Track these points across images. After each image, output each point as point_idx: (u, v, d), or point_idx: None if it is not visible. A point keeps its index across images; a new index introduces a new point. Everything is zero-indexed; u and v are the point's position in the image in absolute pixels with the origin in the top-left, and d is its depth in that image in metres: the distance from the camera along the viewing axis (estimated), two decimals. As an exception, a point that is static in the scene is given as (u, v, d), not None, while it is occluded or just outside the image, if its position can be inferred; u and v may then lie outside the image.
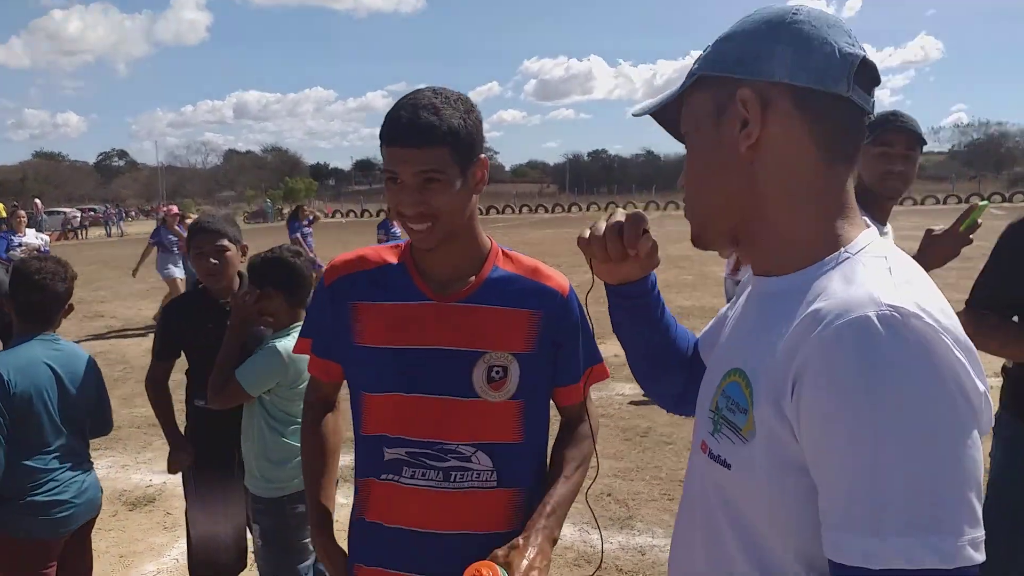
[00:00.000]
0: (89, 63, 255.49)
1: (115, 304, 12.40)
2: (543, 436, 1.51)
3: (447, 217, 1.30)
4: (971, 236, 2.24)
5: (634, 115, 1.00)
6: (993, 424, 0.77)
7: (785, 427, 0.77)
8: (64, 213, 39.48)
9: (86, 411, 2.42)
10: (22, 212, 9.75)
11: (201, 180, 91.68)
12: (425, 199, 1.27)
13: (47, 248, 9.23)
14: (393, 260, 1.44)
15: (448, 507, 1.39)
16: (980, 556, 0.68)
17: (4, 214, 39.15)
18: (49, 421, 2.27)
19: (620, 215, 1.07)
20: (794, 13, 0.87)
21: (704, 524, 0.92)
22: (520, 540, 1.30)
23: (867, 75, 0.86)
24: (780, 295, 0.86)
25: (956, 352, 0.72)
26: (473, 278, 1.40)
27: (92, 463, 2.47)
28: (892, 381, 0.69)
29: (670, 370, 1.21)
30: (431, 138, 1.24)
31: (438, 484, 1.38)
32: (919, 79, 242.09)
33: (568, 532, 3.77)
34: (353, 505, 1.51)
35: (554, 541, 1.35)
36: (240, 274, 2.67)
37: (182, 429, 2.70)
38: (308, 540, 2.38)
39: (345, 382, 1.53)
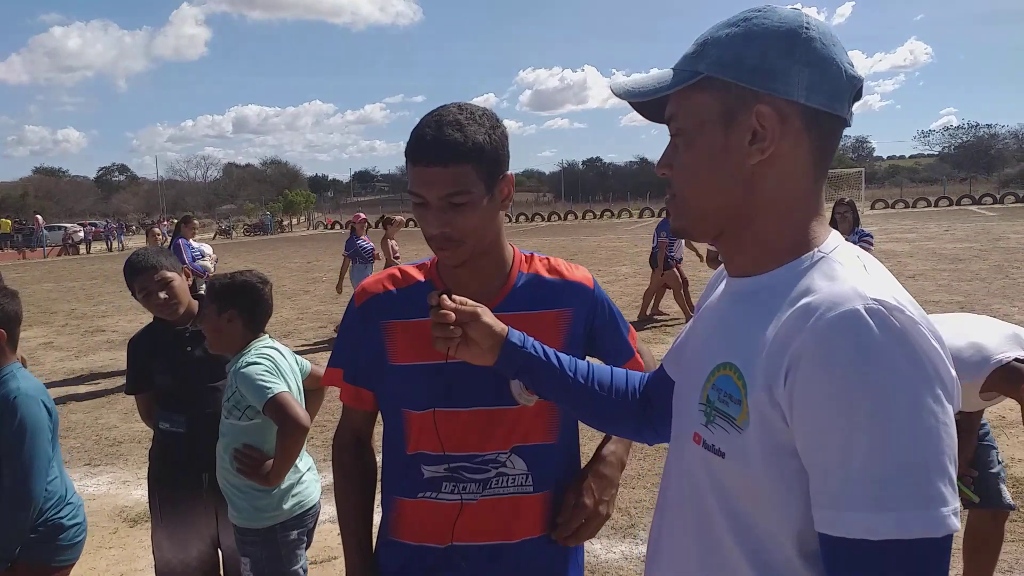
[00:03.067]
0: (89, 79, 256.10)
1: (116, 318, 12.41)
2: (575, 437, 1.50)
3: (473, 237, 1.30)
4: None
5: (615, 93, 0.99)
6: None
7: (777, 413, 0.82)
8: (65, 228, 39.54)
9: None
10: (195, 220, 9.06)
11: (201, 194, 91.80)
12: (451, 220, 1.27)
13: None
14: (420, 278, 1.44)
15: (486, 517, 1.38)
16: (958, 524, 0.75)
17: (8, 230, 39.31)
18: None
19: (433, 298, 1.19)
20: (806, 27, 0.89)
21: (694, 512, 0.95)
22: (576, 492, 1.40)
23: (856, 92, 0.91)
24: (760, 293, 0.91)
25: (932, 341, 0.79)
26: (500, 287, 1.41)
27: None
28: (883, 367, 0.75)
29: (615, 409, 1.25)
30: (456, 155, 1.24)
31: (476, 495, 1.37)
32: (909, 83, 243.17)
33: (570, 542, 3.75)
34: (381, 525, 1.49)
35: (612, 482, 1.45)
36: (199, 297, 2.60)
37: (148, 451, 2.65)
38: (299, 567, 2.34)
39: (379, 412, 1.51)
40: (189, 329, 2.54)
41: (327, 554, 3.69)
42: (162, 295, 2.47)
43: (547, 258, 1.49)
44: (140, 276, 2.49)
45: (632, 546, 3.67)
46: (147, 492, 2.59)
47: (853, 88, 0.90)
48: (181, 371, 2.49)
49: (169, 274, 2.50)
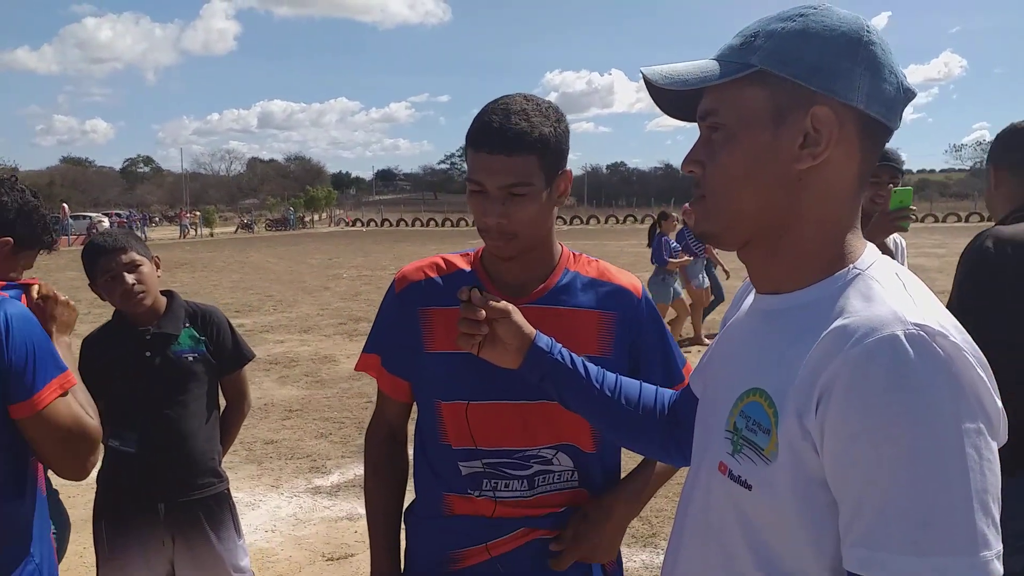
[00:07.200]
0: (118, 71, 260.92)
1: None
2: (616, 449, 1.44)
3: (528, 231, 1.28)
4: (906, 219, 2.41)
5: (651, 80, 0.88)
6: None
7: (808, 443, 0.77)
8: (90, 218, 40.10)
9: None
10: (673, 214, 8.50)
11: (225, 187, 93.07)
12: (508, 211, 1.24)
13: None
14: (465, 267, 1.42)
15: (532, 514, 1.35)
16: (1001, 568, 0.71)
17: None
18: None
19: (463, 294, 1.16)
20: (868, 31, 0.84)
21: (717, 545, 0.90)
22: (585, 514, 1.36)
23: None
24: (792, 312, 0.86)
25: (978, 370, 0.73)
26: (544, 282, 1.38)
27: None
28: (922, 399, 0.70)
29: (641, 426, 1.20)
30: (521, 145, 1.22)
31: (523, 494, 1.34)
32: (942, 96, 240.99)
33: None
34: (419, 509, 1.45)
35: (632, 510, 1.41)
36: (167, 292, 2.27)
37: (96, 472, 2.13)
38: None
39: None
40: (151, 331, 2.18)
41: (344, 551, 3.66)
42: (130, 279, 2.12)
43: (596, 260, 1.46)
44: (104, 257, 2.13)
45: (653, 555, 3.60)
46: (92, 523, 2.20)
47: (906, 99, 0.86)
48: (136, 380, 2.15)
49: (139, 257, 2.16)
